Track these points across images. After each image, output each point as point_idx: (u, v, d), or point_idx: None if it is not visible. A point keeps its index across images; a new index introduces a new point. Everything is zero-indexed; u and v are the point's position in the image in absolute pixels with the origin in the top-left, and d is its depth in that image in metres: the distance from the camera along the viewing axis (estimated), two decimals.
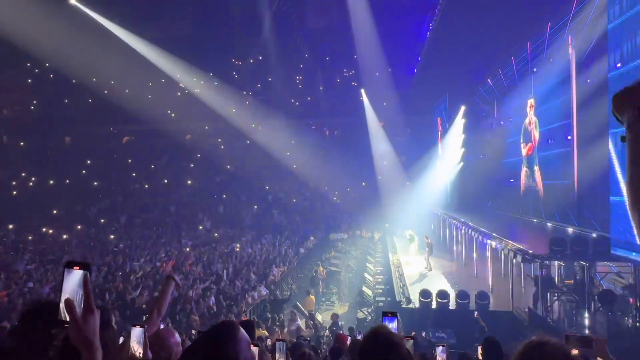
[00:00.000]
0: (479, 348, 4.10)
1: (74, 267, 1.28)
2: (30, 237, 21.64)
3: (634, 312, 9.95)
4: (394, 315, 2.13)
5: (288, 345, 4.35)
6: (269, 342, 7.44)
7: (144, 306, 11.63)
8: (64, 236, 22.40)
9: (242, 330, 1.58)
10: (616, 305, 10.25)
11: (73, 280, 1.27)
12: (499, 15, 18.45)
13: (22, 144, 31.31)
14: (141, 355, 2.30)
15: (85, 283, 1.26)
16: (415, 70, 31.40)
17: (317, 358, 5.51)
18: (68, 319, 1.23)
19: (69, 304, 1.23)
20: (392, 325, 2.06)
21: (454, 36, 21.41)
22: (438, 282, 15.38)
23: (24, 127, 30.78)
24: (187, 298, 12.61)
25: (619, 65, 10.08)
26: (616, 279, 11.68)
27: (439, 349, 3.02)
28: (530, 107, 17.60)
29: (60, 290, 1.27)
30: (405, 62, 30.88)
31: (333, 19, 29.61)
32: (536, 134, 17.08)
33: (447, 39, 22.41)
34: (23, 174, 28.84)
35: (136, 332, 2.41)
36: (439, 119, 28.42)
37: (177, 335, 2.55)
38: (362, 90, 31.23)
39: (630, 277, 10.76)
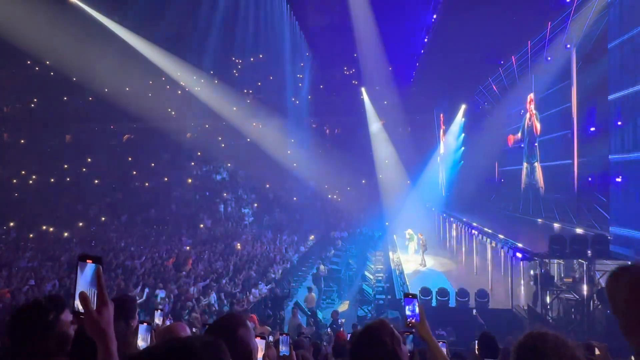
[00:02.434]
0: (476, 343, 4.18)
1: (88, 261, 1.31)
2: (31, 235, 21.71)
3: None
4: (414, 296, 2.20)
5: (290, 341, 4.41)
6: (271, 338, 7.50)
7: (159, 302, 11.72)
8: (65, 234, 22.46)
9: (247, 322, 1.67)
10: None
11: (87, 273, 1.31)
12: (500, 13, 18.45)
13: (22, 141, 31.34)
14: None
15: (98, 276, 1.30)
16: (416, 68, 31.40)
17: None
18: (83, 311, 1.27)
19: (83, 296, 1.26)
20: (409, 308, 2.16)
21: (455, 35, 21.40)
22: (438, 280, 15.44)
23: (25, 125, 30.81)
24: (188, 296, 12.69)
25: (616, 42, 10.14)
26: None
27: (439, 344, 3.08)
28: (530, 102, 17.65)
29: (75, 283, 1.30)
30: (406, 60, 30.85)
31: (334, 18, 29.64)
32: (537, 125, 17.11)
33: (447, 37, 22.39)
34: (23, 172, 28.87)
35: (142, 329, 2.47)
36: (441, 115, 28.44)
37: (187, 329, 2.62)
38: (363, 89, 31.24)
39: None
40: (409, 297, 2.21)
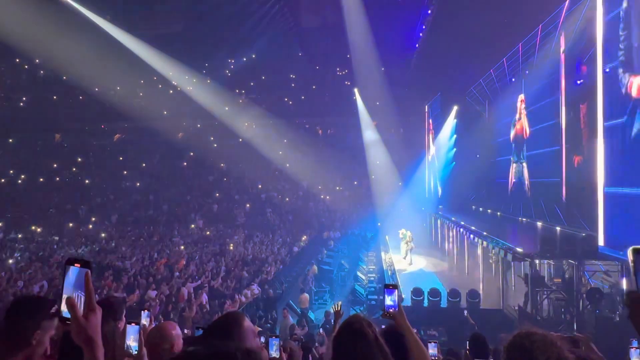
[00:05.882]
0: (467, 344, 4.21)
1: (76, 265, 1.27)
2: (19, 236, 21.43)
3: (620, 309, 10.12)
4: (394, 287, 2.26)
5: (281, 343, 4.40)
6: (262, 339, 7.47)
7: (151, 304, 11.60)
8: (54, 235, 22.20)
9: (248, 320, 1.68)
10: (603, 303, 10.43)
11: (74, 277, 1.27)
12: (491, 16, 18.58)
13: (11, 140, 30.98)
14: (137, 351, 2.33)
15: (86, 281, 1.25)
16: (408, 70, 31.53)
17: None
18: (70, 317, 1.22)
19: (70, 302, 1.21)
20: (392, 297, 2.21)
21: (447, 37, 21.54)
22: (430, 281, 15.51)
23: (14, 124, 30.44)
24: (179, 296, 12.61)
25: (607, 70, 10.22)
26: (604, 277, 11.87)
27: (430, 344, 3.11)
28: (521, 102, 17.77)
29: (62, 288, 1.26)
30: (399, 62, 30.96)
31: (327, 18, 29.64)
32: (527, 127, 17.25)
33: (439, 39, 22.53)
34: (12, 172, 28.52)
35: (131, 329, 2.44)
36: (430, 120, 28.64)
37: (177, 327, 2.62)
38: (355, 90, 31.30)
39: (617, 275, 10.95)
40: (390, 287, 2.24)
